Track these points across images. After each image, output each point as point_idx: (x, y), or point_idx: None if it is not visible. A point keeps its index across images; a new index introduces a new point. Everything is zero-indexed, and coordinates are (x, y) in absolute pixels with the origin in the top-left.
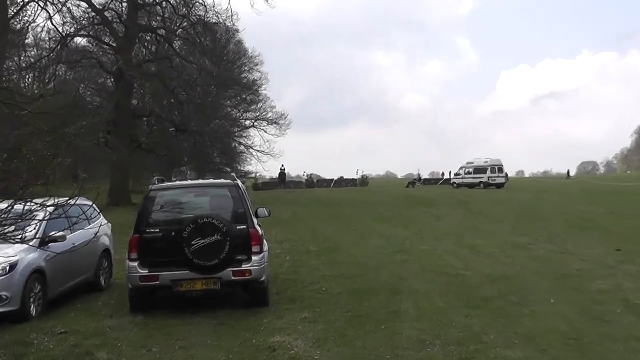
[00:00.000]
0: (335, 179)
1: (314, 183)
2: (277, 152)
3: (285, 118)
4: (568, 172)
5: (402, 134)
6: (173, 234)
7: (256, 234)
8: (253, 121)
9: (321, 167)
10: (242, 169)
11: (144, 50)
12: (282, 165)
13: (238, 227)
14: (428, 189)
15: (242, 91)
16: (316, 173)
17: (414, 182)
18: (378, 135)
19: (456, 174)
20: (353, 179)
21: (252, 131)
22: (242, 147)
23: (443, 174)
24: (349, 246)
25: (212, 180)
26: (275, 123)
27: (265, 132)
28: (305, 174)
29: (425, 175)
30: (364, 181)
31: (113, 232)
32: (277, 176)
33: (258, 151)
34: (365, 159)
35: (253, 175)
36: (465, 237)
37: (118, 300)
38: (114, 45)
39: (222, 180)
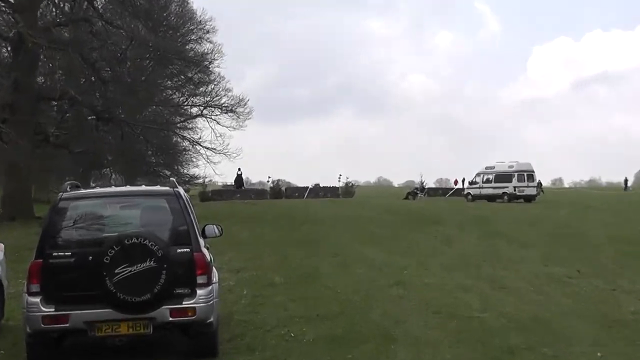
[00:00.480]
0: (310, 186)
1: (281, 192)
2: (233, 150)
3: (245, 104)
4: (625, 182)
5: (400, 127)
6: (90, 258)
7: (203, 259)
8: (201, 108)
9: (292, 170)
10: (185, 171)
11: (54, 10)
12: (239, 169)
13: (178, 250)
14: (434, 202)
15: (187, 67)
16: (285, 179)
17: (415, 192)
18: (369, 128)
19: (471, 182)
20: (334, 187)
21: (200, 121)
22: (187, 143)
23: (456, 182)
24: (327, 277)
25: (144, 187)
26: (231, 111)
27: (218, 122)
28: (270, 180)
29: (430, 184)
30: (349, 190)
31: (6, 256)
32: (233, 182)
33: (207, 148)
34: (350, 160)
35: (200, 181)
36: (483, 267)
37: (10, 351)
38: (11, 1)
39: (158, 187)
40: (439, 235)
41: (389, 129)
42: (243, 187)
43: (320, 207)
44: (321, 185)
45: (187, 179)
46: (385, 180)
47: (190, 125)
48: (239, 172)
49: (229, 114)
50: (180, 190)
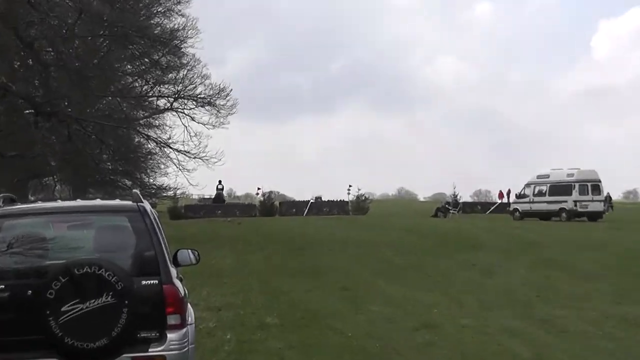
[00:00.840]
0: (312, 200)
1: (274, 207)
2: (212, 154)
3: (227, 96)
4: (607, 199)
5: (427, 125)
6: (29, 293)
7: (175, 293)
8: (171, 100)
9: (288, 181)
10: (151, 181)
11: None
12: (220, 183)
13: (143, 282)
14: (470, 220)
15: (153, 48)
16: (279, 191)
17: (446, 207)
18: (386, 126)
19: (519, 195)
20: (342, 202)
21: (170, 117)
22: (152, 145)
23: (501, 195)
24: (333, 317)
25: (99, 201)
26: (210, 104)
27: (192, 119)
28: (260, 193)
29: (465, 197)
30: (361, 205)
31: None
32: (212, 199)
33: (179, 152)
34: (363, 167)
35: (170, 193)
36: (535, 305)
37: None
38: None
39: (117, 202)
40: (478, 263)
41: (412, 128)
42: (222, 202)
43: (324, 227)
44: (325, 199)
45: (153, 191)
46: (408, 192)
47: (157, 122)
48: (220, 188)
49: (207, 107)
50: (146, 204)
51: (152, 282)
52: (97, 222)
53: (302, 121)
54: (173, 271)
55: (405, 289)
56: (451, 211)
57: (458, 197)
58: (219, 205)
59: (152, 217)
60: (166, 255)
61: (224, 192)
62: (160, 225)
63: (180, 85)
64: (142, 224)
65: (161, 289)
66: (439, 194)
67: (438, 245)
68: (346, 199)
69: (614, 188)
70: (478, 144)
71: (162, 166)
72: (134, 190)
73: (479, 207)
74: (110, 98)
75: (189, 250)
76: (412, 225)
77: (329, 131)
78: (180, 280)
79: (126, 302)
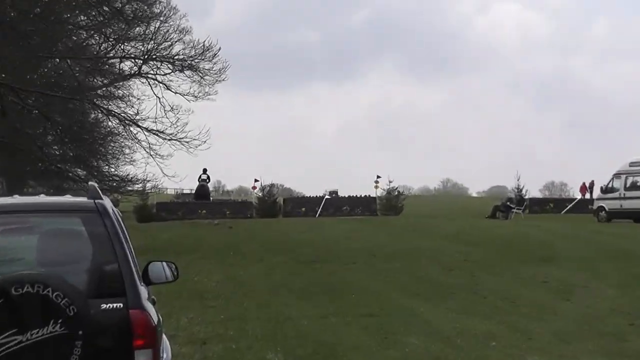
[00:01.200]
0: (327, 196)
1: (277, 206)
2: (194, 134)
3: (214, 57)
4: (590, 186)
5: (480, 95)
6: None
7: (145, 321)
8: (139, 62)
9: (294, 170)
10: (112, 171)
11: None
12: (204, 172)
13: (104, 306)
14: (540, 222)
15: None
16: (283, 184)
17: (508, 205)
18: (424, 97)
19: (605, 189)
20: (367, 199)
21: (138, 85)
22: (114, 123)
23: (584, 188)
24: (356, 353)
25: (43, 198)
26: (191, 68)
27: (168, 87)
28: (258, 186)
29: (533, 192)
30: (393, 203)
31: None
32: (194, 192)
33: (151, 132)
34: (394, 152)
35: (139, 187)
36: (629, 337)
37: None
38: None
39: (68, 198)
40: (550, 281)
41: (459, 99)
42: (207, 198)
43: (343, 232)
44: (345, 194)
45: (115, 184)
46: (456, 186)
47: (121, 93)
48: (204, 179)
49: (187, 72)
50: (106, 201)
51: (115, 305)
52: (41, 226)
53: (314, 91)
54: (143, 291)
55: (452, 315)
56: (514, 210)
57: (524, 191)
58: (202, 202)
59: (114, 219)
60: (134, 269)
61: (210, 186)
62: (125, 230)
63: (151, 42)
64: (102, 228)
65: (127, 315)
66: (497, 187)
67: (497, 257)
68: (373, 194)
69: None
70: (549, 122)
71: (128, 151)
72: (90, 183)
73: (551, 204)
74: (57, 60)
75: (164, 263)
76: (462, 230)
77: (349, 104)
78: (153, 303)
79: (80, 332)
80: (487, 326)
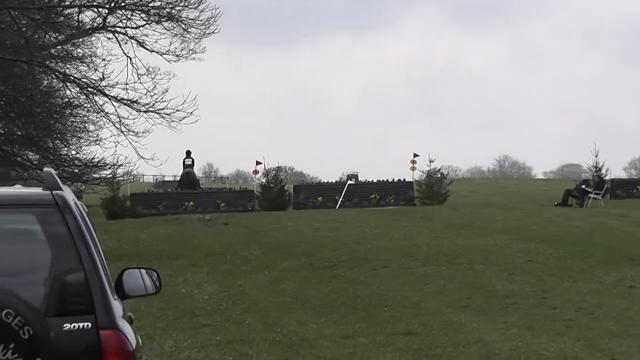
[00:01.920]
0: (350, 181)
1: (285, 196)
2: (176, 103)
3: (201, 3)
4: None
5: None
6: None
7: (120, 344)
8: (104, 12)
9: (307, 149)
10: (73, 153)
11: None
12: (188, 155)
13: (67, 327)
14: (626, 211)
15: None
16: (293, 166)
17: (584, 189)
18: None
19: None
20: (402, 183)
21: (104, 42)
22: (74, 91)
23: None
24: None
25: None
26: (171, 18)
27: (142, 44)
28: (260, 171)
29: (615, 172)
30: (435, 189)
31: None
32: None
33: (121, 102)
34: (435, 124)
35: (107, 174)
36: None
37: None
38: None
39: (18, 189)
40: None
41: (519, 53)
42: (199, 189)
43: (371, 227)
44: (370, 178)
45: (76, 170)
46: (516, 165)
47: (81, 52)
48: (189, 163)
49: (166, 24)
50: (67, 192)
51: (81, 325)
52: None
53: (328, 46)
54: (117, 306)
55: (513, 331)
56: (592, 196)
57: (603, 172)
58: (188, 193)
59: (77, 215)
60: (104, 279)
61: (197, 171)
62: (92, 228)
63: None
64: (62, 227)
65: (97, 337)
66: (569, 166)
67: (570, 257)
68: (409, 179)
69: None
70: (636, 81)
71: (92, 127)
72: (45, 169)
73: (639, 187)
74: None
75: (143, 271)
76: (525, 223)
77: (375, 62)
78: (130, 321)
79: (38, 359)
80: (559, 345)
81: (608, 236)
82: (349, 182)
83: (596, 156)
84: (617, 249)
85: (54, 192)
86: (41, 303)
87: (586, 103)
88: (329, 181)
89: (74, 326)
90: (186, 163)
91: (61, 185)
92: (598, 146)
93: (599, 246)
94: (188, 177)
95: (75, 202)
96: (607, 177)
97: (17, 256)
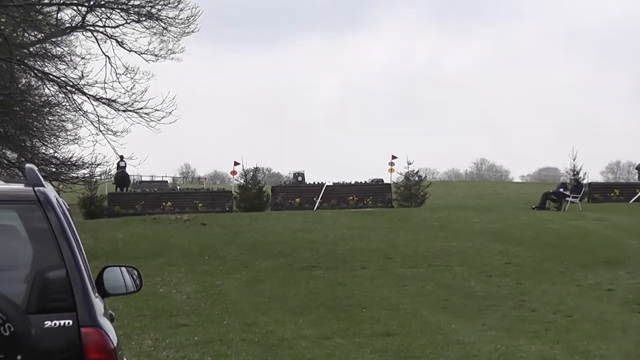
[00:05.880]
0: (328, 183)
1: (263, 196)
2: (155, 102)
3: (180, 2)
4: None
5: (523, 50)
6: None
7: (101, 342)
8: (83, 10)
9: (285, 149)
10: (51, 152)
11: None
12: (121, 159)
13: (48, 324)
14: (602, 214)
15: None
16: (270, 167)
17: (561, 193)
18: (452, 51)
19: None
20: (380, 185)
21: (83, 41)
22: (53, 89)
23: None
24: None
25: None
26: (151, 17)
27: (121, 44)
28: (239, 171)
29: (592, 175)
30: (413, 191)
31: None
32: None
33: (100, 100)
34: (413, 124)
35: (84, 173)
36: None
37: None
38: None
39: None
40: (618, 289)
41: (497, 55)
42: (127, 189)
43: (350, 228)
44: (349, 181)
45: (54, 169)
46: (493, 168)
47: (60, 50)
48: (122, 165)
49: (145, 22)
50: (49, 189)
51: (62, 323)
52: None
53: (309, 45)
54: (98, 304)
55: (491, 334)
56: (569, 199)
57: (581, 175)
58: (166, 193)
59: (59, 211)
60: (86, 276)
61: (175, 171)
62: (74, 225)
63: None
64: (44, 223)
65: (78, 334)
66: (547, 169)
67: (548, 259)
68: (387, 180)
69: None
70: (614, 85)
71: (70, 126)
72: (27, 166)
73: (616, 191)
74: None
75: (123, 269)
76: (503, 225)
77: (355, 63)
78: (111, 319)
79: (19, 357)
80: (537, 347)
81: (586, 239)
82: (326, 183)
83: (574, 160)
84: (595, 252)
85: (35, 188)
86: (22, 300)
87: (564, 106)
88: (308, 183)
89: (55, 323)
90: (120, 166)
91: (43, 181)
92: (576, 150)
93: (577, 249)
94: (122, 177)
95: (57, 199)
96: (585, 181)
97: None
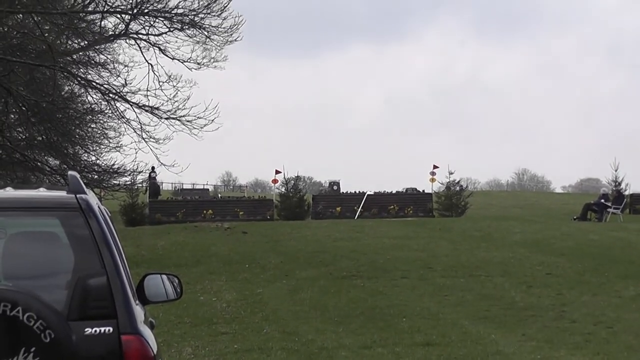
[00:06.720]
0: (369, 192)
1: (304, 205)
2: (197, 110)
3: (224, 11)
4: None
5: (567, 62)
6: None
7: (141, 350)
8: (126, 19)
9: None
10: (93, 159)
11: None
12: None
13: (88, 331)
14: None
15: None
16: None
17: (603, 204)
18: (495, 63)
19: None
20: (420, 194)
21: (126, 49)
22: (96, 97)
23: None
24: None
25: (10, 192)
26: (194, 25)
27: (163, 52)
28: (280, 180)
29: (635, 186)
30: (455, 201)
31: None
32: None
33: (142, 108)
34: (455, 134)
35: (126, 181)
36: None
37: None
38: None
39: (42, 192)
40: None
41: (540, 66)
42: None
43: (390, 237)
44: (394, 190)
45: (96, 176)
46: (535, 178)
47: (103, 58)
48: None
49: (188, 31)
50: (91, 196)
51: (103, 330)
52: (8, 228)
53: (352, 56)
54: (139, 311)
55: (531, 344)
56: (611, 210)
57: (623, 186)
58: (207, 201)
59: (101, 219)
60: (127, 284)
61: (216, 180)
62: (115, 233)
63: None
64: (86, 230)
65: (118, 341)
66: (588, 180)
67: (589, 271)
68: (428, 190)
69: None
70: None
71: (113, 134)
72: (70, 173)
73: None
74: (20, 16)
75: (164, 276)
76: (544, 236)
77: (398, 73)
78: (151, 326)
79: None
80: (577, 359)
81: (627, 250)
82: (368, 192)
83: (616, 170)
84: (636, 264)
85: (78, 195)
86: (63, 307)
87: (607, 117)
88: (348, 192)
89: (96, 330)
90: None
91: (85, 189)
92: (618, 161)
93: (618, 260)
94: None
95: (98, 206)
96: (627, 192)
97: (40, 259)
